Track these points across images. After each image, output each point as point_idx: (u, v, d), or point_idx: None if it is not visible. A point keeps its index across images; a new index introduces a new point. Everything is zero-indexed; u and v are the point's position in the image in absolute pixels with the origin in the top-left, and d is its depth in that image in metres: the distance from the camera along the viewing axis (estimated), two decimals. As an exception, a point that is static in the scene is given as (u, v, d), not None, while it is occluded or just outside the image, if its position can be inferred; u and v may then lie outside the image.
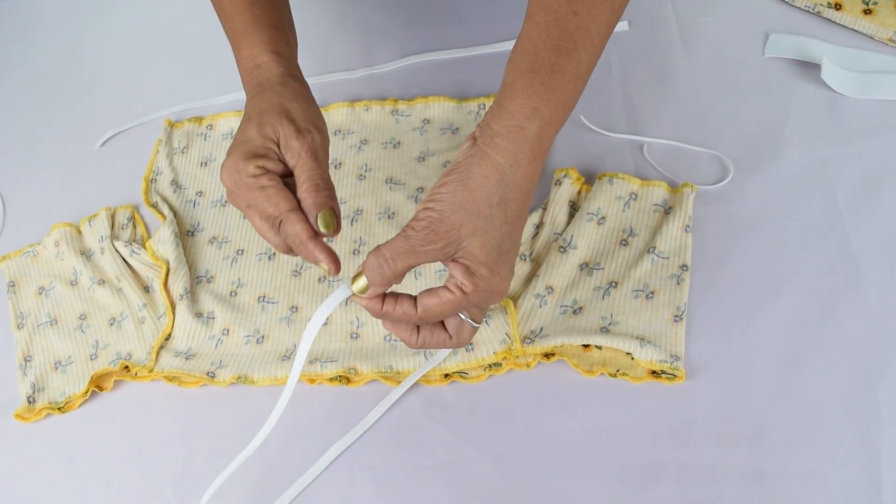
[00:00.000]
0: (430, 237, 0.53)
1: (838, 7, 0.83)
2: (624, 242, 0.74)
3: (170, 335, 0.77)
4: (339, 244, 0.79)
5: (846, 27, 0.84)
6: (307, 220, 0.58)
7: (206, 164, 0.89)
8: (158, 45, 1.02)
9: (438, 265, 0.76)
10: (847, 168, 0.75)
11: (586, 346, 0.69)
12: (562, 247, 0.73)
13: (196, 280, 0.80)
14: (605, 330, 0.69)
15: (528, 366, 0.69)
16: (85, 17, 1.07)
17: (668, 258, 0.72)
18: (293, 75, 0.65)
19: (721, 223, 0.74)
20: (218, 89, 0.95)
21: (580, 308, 0.71)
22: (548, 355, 0.69)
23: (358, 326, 0.74)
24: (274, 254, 0.80)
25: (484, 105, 0.86)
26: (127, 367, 0.75)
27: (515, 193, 0.54)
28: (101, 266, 0.81)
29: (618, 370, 0.67)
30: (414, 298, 0.56)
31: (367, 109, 0.88)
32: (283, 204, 0.58)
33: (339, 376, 0.71)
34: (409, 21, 0.97)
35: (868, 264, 0.69)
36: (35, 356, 0.78)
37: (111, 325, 0.78)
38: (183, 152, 0.90)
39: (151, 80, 0.99)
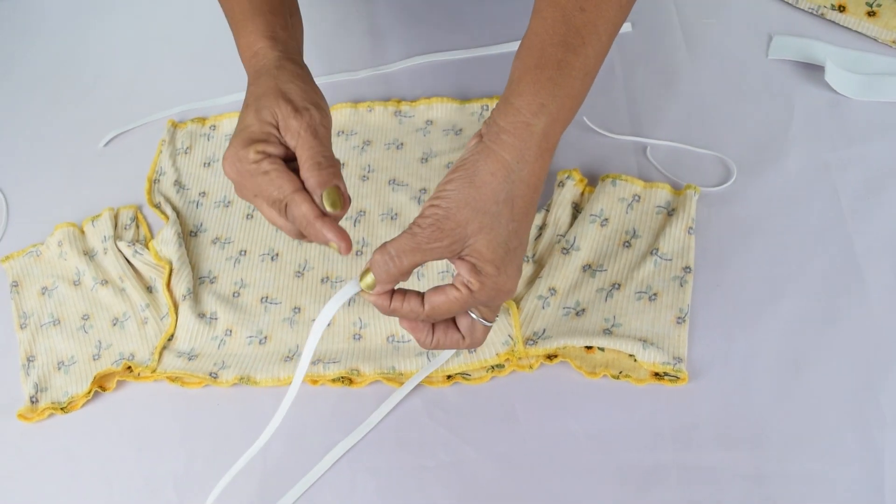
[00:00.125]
0: (436, 234, 0.53)
1: (842, 9, 0.83)
2: (627, 244, 0.74)
3: (172, 336, 0.77)
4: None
5: (850, 29, 0.84)
6: (312, 200, 0.56)
7: (209, 164, 0.89)
8: (161, 46, 1.02)
9: (442, 267, 0.76)
10: (850, 170, 0.75)
11: (589, 347, 0.69)
12: (564, 248, 0.73)
13: (199, 280, 0.80)
14: (607, 332, 0.69)
15: (530, 367, 0.69)
16: (87, 17, 1.07)
17: (671, 260, 0.72)
18: (290, 58, 0.63)
19: (724, 225, 0.74)
20: (221, 90, 0.95)
21: (583, 310, 0.71)
22: (550, 357, 0.69)
23: (361, 327, 0.74)
24: (277, 255, 0.80)
25: (487, 106, 0.86)
26: (129, 367, 0.75)
27: (522, 190, 0.54)
28: (104, 266, 0.82)
29: (620, 372, 0.67)
30: (422, 296, 0.56)
31: (370, 110, 0.88)
32: (287, 186, 0.56)
33: (342, 377, 0.71)
34: (413, 22, 0.97)
35: (871, 266, 0.69)
36: (38, 356, 0.78)
37: (114, 325, 0.78)
38: (186, 153, 0.90)
39: (154, 80, 0.99)
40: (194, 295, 0.78)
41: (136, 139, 0.93)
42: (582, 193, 0.77)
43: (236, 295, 0.78)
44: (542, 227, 0.76)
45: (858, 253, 0.70)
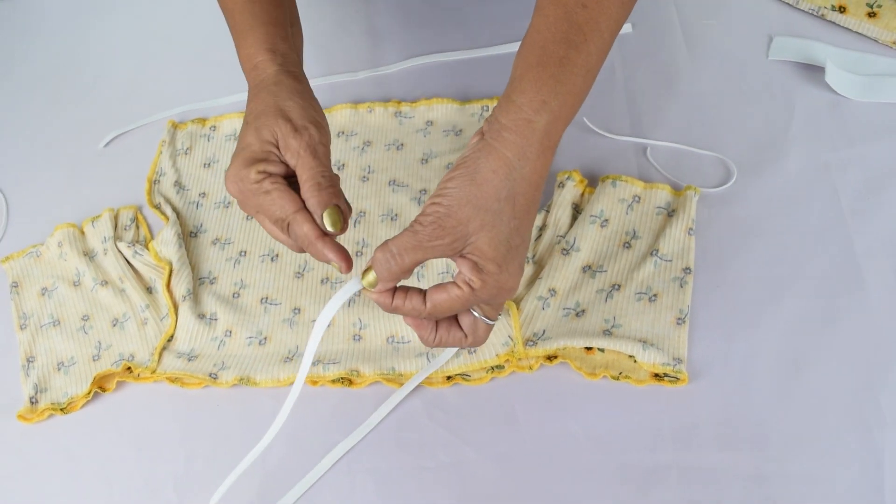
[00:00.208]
0: (438, 232, 0.53)
1: (842, 10, 0.83)
2: (627, 245, 0.74)
3: (172, 336, 0.77)
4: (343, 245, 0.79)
5: (850, 30, 0.83)
6: (313, 220, 0.57)
7: (209, 165, 0.89)
8: (162, 46, 1.02)
9: (441, 268, 0.75)
10: (850, 171, 0.75)
11: (589, 348, 0.69)
12: (564, 249, 0.73)
13: (199, 281, 0.80)
14: (607, 332, 0.69)
15: (530, 368, 0.69)
16: (88, 18, 1.07)
17: (671, 261, 0.72)
18: (289, 72, 0.64)
19: (724, 226, 0.74)
20: (221, 90, 0.95)
21: (583, 311, 0.71)
22: (550, 358, 0.69)
23: (360, 328, 0.74)
24: (277, 255, 0.80)
25: (487, 107, 0.86)
26: (129, 368, 0.75)
27: (524, 188, 0.54)
28: (104, 267, 0.82)
29: (620, 373, 0.67)
30: (424, 293, 0.56)
31: (370, 111, 0.88)
32: (289, 206, 0.58)
33: (342, 378, 0.71)
34: (413, 23, 0.97)
35: (871, 267, 0.69)
36: (38, 357, 0.78)
37: (114, 326, 0.78)
38: (186, 153, 0.90)
39: (155, 80, 0.99)
40: (194, 296, 0.78)
41: (137, 140, 0.93)
42: (582, 194, 0.77)
43: (236, 296, 0.78)
44: (542, 228, 0.75)
45: (858, 253, 0.70)
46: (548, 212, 0.76)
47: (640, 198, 0.76)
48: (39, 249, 0.85)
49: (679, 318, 0.69)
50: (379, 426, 0.69)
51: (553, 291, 0.71)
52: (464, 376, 0.70)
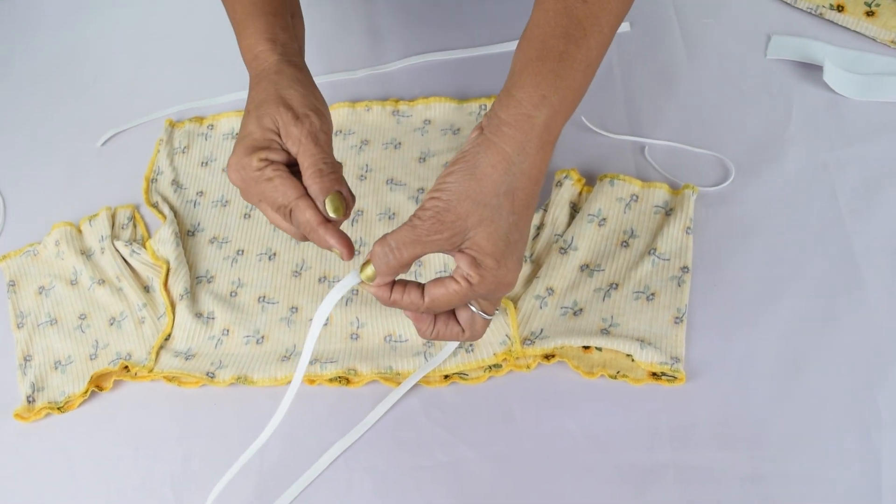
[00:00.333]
0: (437, 227, 0.53)
1: (840, 9, 0.83)
2: (625, 244, 0.74)
3: (170, 335, 0.76)
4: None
5: (848, 29, 0.83)
6: (315, 206, 0.57)
7: (206, 164, 0.89)
8: (160, 45, 1.02)
9: (439, 267, 0.75)
10: (848, 170, 0.74)
11: (586, 347, 0.69)
12: (562, 248, 0.73)
13: (196, 280, 0.80)
14: (605, 331, 0.69)
15: (528, 367, 0.69)
16: (86, 16, 1.07)
17: (668, 260, 0.72)
18: (290, 61, 0.64)
19: (722, 225, 0.74)
20: (219, 89, 0.95)
21: (580, 309, 0.71)
22: (548, 357, 0.69)
23: (358, 327, 0.74)
24: (274, 254, 0.80)
25: (485, 106, 0.86)
26: (127, 367, 0.75)
27: (523, 183, 0.54)
28: (102, 266, 0.81)
29: (618, 372, 0.67)
30: (422, 288, 0.56)
31: (368, 110, 0.88)
32: (291, 192, 0.58)
33: (339, 377, 0.71)
34: (411, 22, 0.97)
35: (869, 267, 0.69)
36: (35, 356, 0.78)
37: (111, 324, 0.78)
38: (184, 152, 0.90)
39: (152, 79, 0.99)
40: (191, 294, 0.78)
41: (134, 138, 0.93)
42: (580, 193, 0.77)
43: (234, 294, 0.78)
44: (539, 227, 0.75)
45: (857, 253, 0.70)
46: (545, 211, 0.76)
47: (637, 197, 0.76)
48: (36, 248, 0.85)
49: (677, 318, 0.69)
50: (376, 425, 0.69)
51: (551, 290, 0.71)
52: (461, 375, 0.70)
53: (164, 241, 0.81)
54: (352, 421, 0.69)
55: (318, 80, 0.87)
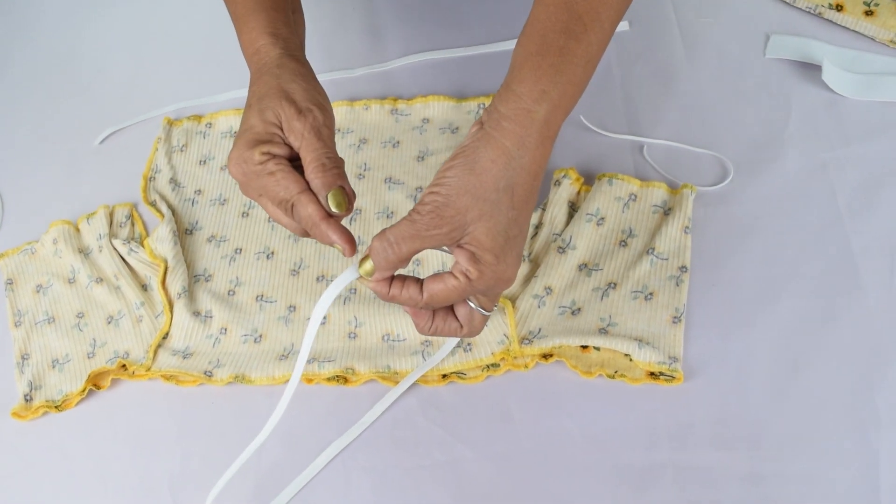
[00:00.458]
0: (436, 221, 0.52)
1: (839, 8, 0.83)
2: (623, 243, 0.73)
3: (167, 334, 0.76)
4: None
5: (847, 28, 0.83)
6: (318, 201, 0.57)
7: (204, 162, 0.88)
8: (158, 43, 1.02)
9: (437, 267, 0.75)
10: (847, 170, 0.74)
11: (584, 347, 0.69)
12: (561, 247, 0.73)
13: (194, 279, 0.80)
14: (603, 331, 0.69)
15: (525, 366, 0.69)
16: (84, 15, 1.07)
17: (667, 259, 0.72)
18: (291, 55, 0.64)
19: (720, 224, 0.74)
20: (217, 87, 0.94)
21: (579, 309, 0.71)
22: (546, 356, 0.69)
23: (356, 326, 0.74)
24: (272, 253, 0.80)
25: (484, 105, 0.86)
26: (124, 365, 0.75)
27: (523, 178, 0.53)
28: (99, 264, 0.81)
29: (616, 371, 0.67)
30: (420, 283, 0.55)
31: (366, 108, 0.88)
32: (293, 186, 0.57)
33: (337, 376, 0.71)
34: (410, 20, 0.97)
35: (868, 266, 0.69)
36: (32, 354, 0.78)
37: (109, 323, 0.78)
38: (182, 150, 0.90)
39: (151, 77, 0.98)
40: (189, 293, 0.78)
41: (132, 137, 0.93)
42: (578, 192, 0.77)
43: (231, 293, 0.78)
44: (538, 226, 0.75)
45: (856, 252, 0.70)
46: (544, 210, 0.76)
47: (636, 196, 0.75)
48: (34, 246, 0.84)
49: (675, 317, 0.69)
50: (374, 424, 0.69)
51: (549, 290, 0.71)
52: (459, 374, 0.70)
53: (161, 239, 0.81)
54: (350, 420, 0.69)
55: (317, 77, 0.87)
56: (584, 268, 0.73)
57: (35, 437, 0.74)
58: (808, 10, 0.85)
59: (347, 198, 0.58)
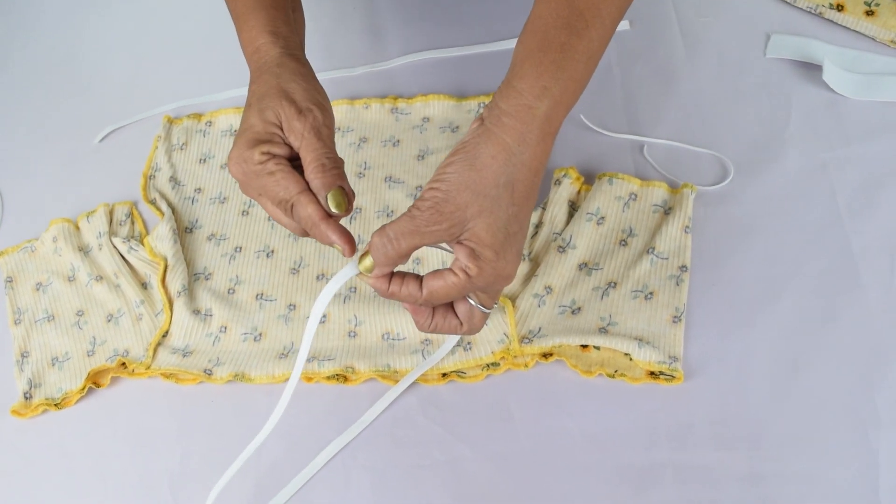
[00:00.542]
0: (435, 217, 0.52)
1: (840, 8, 0.83)
2: (623, 243, 0.73)
3: (167, 332, 0.76)
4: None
5: (848, 28, 0.83)
6: (318, 201, 0.57)
7: (204, 160, 0.88)
8: (158, 41, 1.02)
9: (437, 265, 0.75)
10: (847, 170, 0.74)
11: (584, 346, 0.69)
12: (561, 247, 0.73)
13: (194, 277, 0.80)
14: (603, 330, 0.69)
15: (525, 366, 0.69)
16: (84, 13, 1.07)
17: (667, 259, 0.71)
18: (291, 55, 0.64)
19: (721, 224, 0.74)
20: (217, 86, 0.94)
21: (579, 308, 0.71)
22: (546, 355, 0.69)
23: (356, 325, 0.74)
24: (272, 251, 0.80)
25: (484, 104, 0.86)
26: (124, 363, 0.75)
27: (523, 174, 0.53)
28: (99, 262, 0.81)
29: (616, 371, 0.67)
30: (420, 280, 0.55)
31: (366, 107, 0.88)
32: (293, 187, 0.57)
33: (337, 375, 0.71)
34: (410, 19, 0.97)
35: (868, 266, 0.69)
36: (32, 352, 0.78)
37: (108, 321, 0.78)
38: (182, 149, 0.90)
39: (150, 76, 0.98)
40: (189, 291, 0.78)
41: (132, 135, 0.93)
42: (578, 192, 0.77)
43: (231, 292, 0.78)
44: (538, 226, 0.75)
45: (855, 252, 0.70)
46: (544, 209, 0.76)
47: (636, 195, 0.75)
48: (34, 244, 0.84)
49: (675, 317, 0.69)
50: (374, 423, 0.69)
51: (549, 289, 0.71)
52: (459, 373, 0.70)
53: (161, 237, 0.81)
54: (349, 419, 0.69)
55: (316, 76, 0.87)
56: (585, 267, 0.73)
57: (35, 435, 0.74)
58: (808, 9, 0.85)
59: (347, 198, 0.58)
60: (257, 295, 0.78)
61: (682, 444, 0.64)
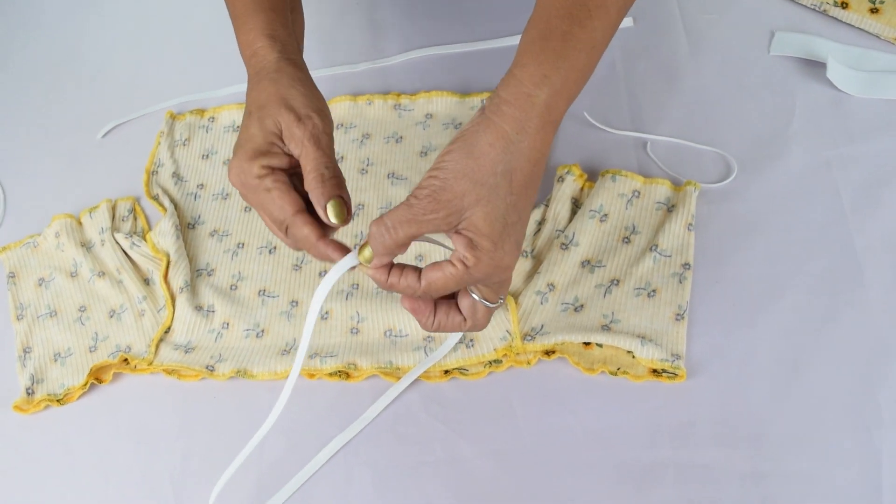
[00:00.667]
0: (433, 206, 0.52)
1: (844, 5, 0.83)
2: (626, 240, 0.73)
3: (169, 328, 0.76)
4: (341, 239, 0.79)
5: (852, 26, 0.83)
6: (313, 221, 0.57)
7: (207, 156, 0.88)
8: (161, 37, 1.02)
9: (438, 257, 0.75)
10: (851, 168, 0.74)
11: (587, 343, 0.69)
12: (563, 244, 0.73)
13: (196, 273, 0.80)
14: (606, 328, 0.69)
15: (528, 363, 0.69)
16: (87, 9, 1.07)
17: (670, 256, 0.71)
18: (289, 59, 0.64)
19: (724, 222, 0.73)
20: (220, 81, 0.94)
21: (581, 306, 0.71)
22: (548, 353, 0.69)
23: (358, 321, 0.74)
24: (275, 248, 0.80)
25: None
26: (126, 359, 0.75)
27: (522, 163, 0.53)
28: (102, 258, 0.81)
29: (618, 368, 0.67)
30: (419, 272, 0.55)
31: (369, 103, 0.88)
32: (288, 208, 0.57)
33: (339, 371, 0.71)
34: (413, 15, 0.96)
35: (871, 265, 0.69)
36: (34, 348, 0.78)
37: (111, 317, 0.78)
38: (184, 144, 0.90)
39: (153, 71, 0.98)
40: (191, 287, 0.78)
41: (135, 130, 0.93)
42: (581, 189, 0.77)
43: (234, 288, 0.78)
44: (541, 223, 0.75)
45: (859, 251, 0.70)
46: (547, 206, 0.76)
47: (639, 193, 0.75)
48: (37, 240, 0.84)
49: (678, 314, 0.69)
50: (376, 420, 0.69)
51: (552, 286, 0.71)
52: (461, 370, 0.70)
53: (164, 233, 0.81)
54: (351, 415, 0.69)
55: (318, 73, 0.87)
56: (587, 264, 0.73)
57: (37, 431, 0.74)
58: (812, 7, 0.85)
59: (347, 207, 0.58)
60: (259, 291, 0.78)
61: (684, 442, 0.64)
